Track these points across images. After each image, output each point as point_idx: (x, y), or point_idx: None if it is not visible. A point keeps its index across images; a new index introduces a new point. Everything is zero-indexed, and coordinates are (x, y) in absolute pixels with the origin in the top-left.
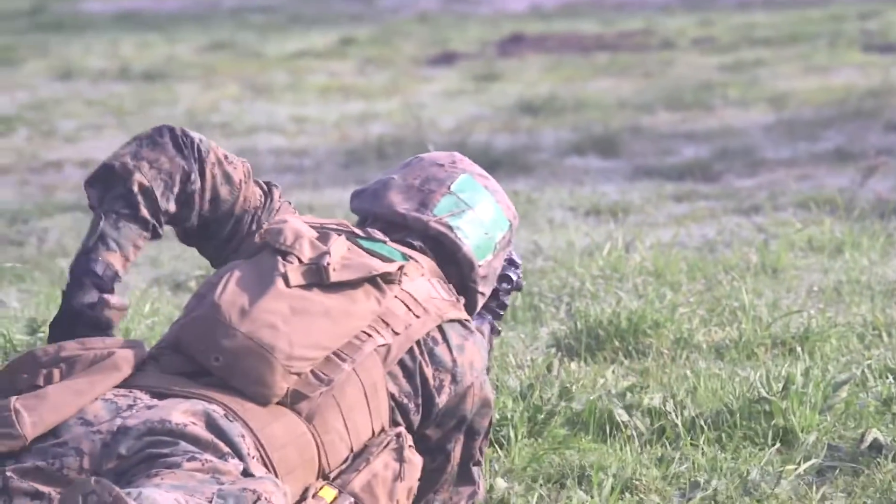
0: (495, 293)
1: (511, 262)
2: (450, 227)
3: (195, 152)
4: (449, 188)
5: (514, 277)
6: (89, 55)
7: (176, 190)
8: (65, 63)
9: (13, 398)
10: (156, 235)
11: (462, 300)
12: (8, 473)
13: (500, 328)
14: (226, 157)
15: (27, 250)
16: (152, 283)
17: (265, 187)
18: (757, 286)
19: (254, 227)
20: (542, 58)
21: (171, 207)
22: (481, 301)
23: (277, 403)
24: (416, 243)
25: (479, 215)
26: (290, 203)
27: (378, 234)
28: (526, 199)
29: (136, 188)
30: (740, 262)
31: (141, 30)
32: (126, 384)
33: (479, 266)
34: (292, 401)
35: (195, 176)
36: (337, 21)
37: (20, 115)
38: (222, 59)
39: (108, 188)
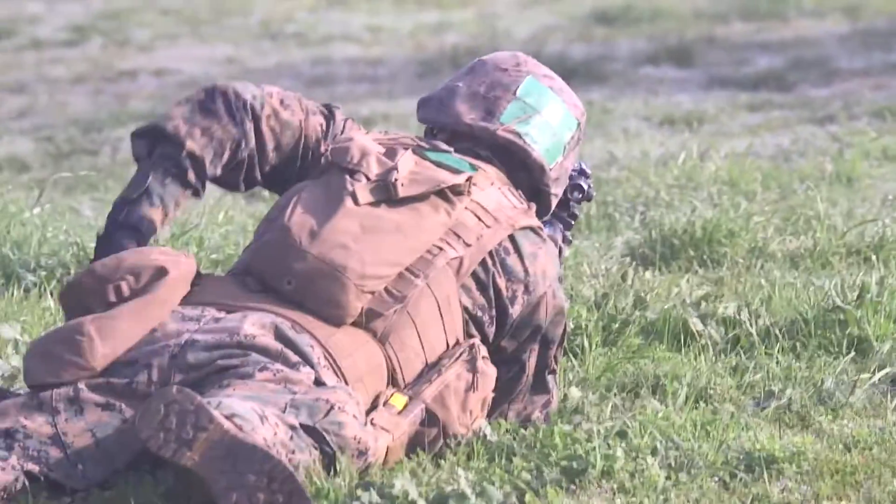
0: (566, 203)
1: (581, 172)
2: (518, 134)
3: (249, 114)
4: (515, 93)
5: (586, 187)
6: None
7: (225, 157)
8: None
9: (87, 319)
10: (197, 196)
11: (533, 207)
12: (80, 385)
13: (571, 237)
14: (282, 103)
15: (101, 159)
16: (226, 192)
17: (325, 111)
18: (832, 195)
19: (320, 152)
20: None
21: (218, 173)
22: (555, 202)
23: (353, 324)
24: (483, 152)
25: (547, 118)
26: (353, 121)
27: (443, 146)
28: (601, 108)
29: (186, 153)
30: (815, 171)
31: None
32: (195, 300)
33: (551, 169)
34: (367, 320)
35: (249, 140)
36: None
37: (94, 24)
38: None
39: (158, 144)
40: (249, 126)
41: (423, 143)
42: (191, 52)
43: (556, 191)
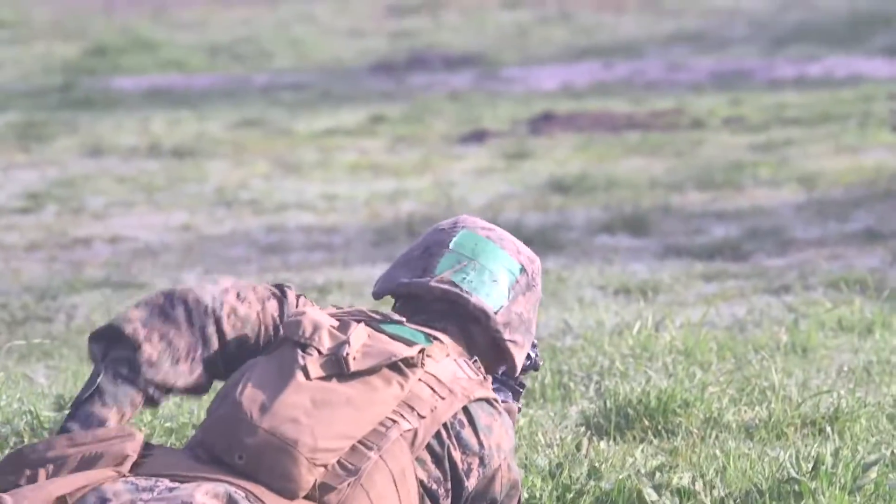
0: (523, 371)
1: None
2: (452, 283)
3: (211, 318)
4: (448, 246)
5: (533, 356)
6: (119, 132)
7: (183, 365)
8: (95, 140)
9: (3, 496)
10: (152, 404)
11: (489, 378)
12: None
13: (520, 406)
14: (238, 296)
15: (55, 326)
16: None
17: (278, 293)
18: (787, 366)
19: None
20: (573, 136)
21: (179, 383)
22: (519, 353)
23: (305, 497)
24: (439, 324)
25: (484, 264)
26: (305, 297)
27: (395, 316)
28: (556, 277)
29: (143, 358)
30: (770, 341)
31: (171, 106)
32: (146, 471)
33: (496, 313)
34: (320, 493)
35: (211, 345)
36: (367, 99)
37: (49, 191)
38: (252, 136)
39: (114, 347)
40: (212, 330)
41: (376, 315)
42: (146, 219)
43: (514, 338)
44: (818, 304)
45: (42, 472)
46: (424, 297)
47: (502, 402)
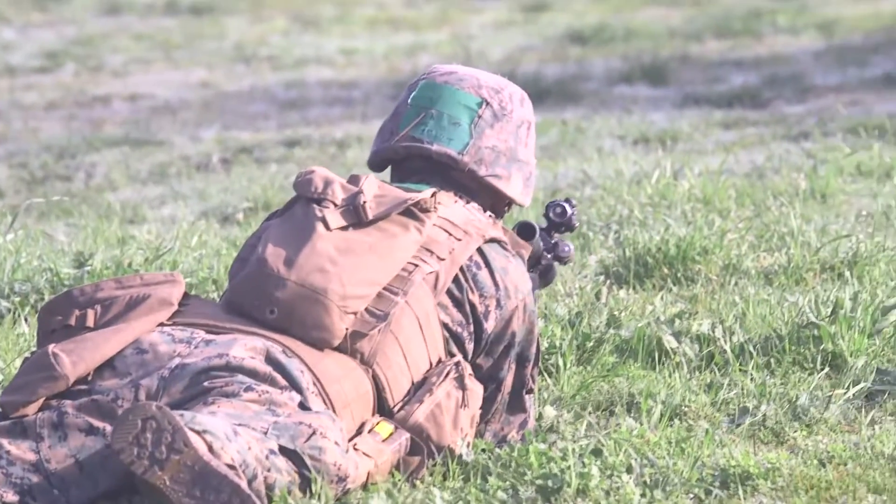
0: (555, 226)
1: (567, 201)
2: (412, 137)
3: None
4: (407, 103)
5: (569, 211)
6: None
7: None
8: None
9: (50, 346)
10: None
11: (499, 222)
12: (64, 409)
13: (568, 252)
14: None
15: (75, 185)
16: (200, 216)
17: None
18: (806, 212)
19: None
20: None
21: None
22: (506, 185)
23: (337, 348)
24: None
25: (441, 109)
26: None
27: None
28: (575, 127)
29: None
30: (789, 187)
31: None
32: (183, 320)
33: (463, 154)
34: (352, 341)
35: None
36: None
37: (68, 50)
38: None
39: None
40: None
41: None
42: (164, 76)
43: (493, 172)
44: (837, 149)
45: (91, 313)
46: (394, 158)
47: (515, 253)
